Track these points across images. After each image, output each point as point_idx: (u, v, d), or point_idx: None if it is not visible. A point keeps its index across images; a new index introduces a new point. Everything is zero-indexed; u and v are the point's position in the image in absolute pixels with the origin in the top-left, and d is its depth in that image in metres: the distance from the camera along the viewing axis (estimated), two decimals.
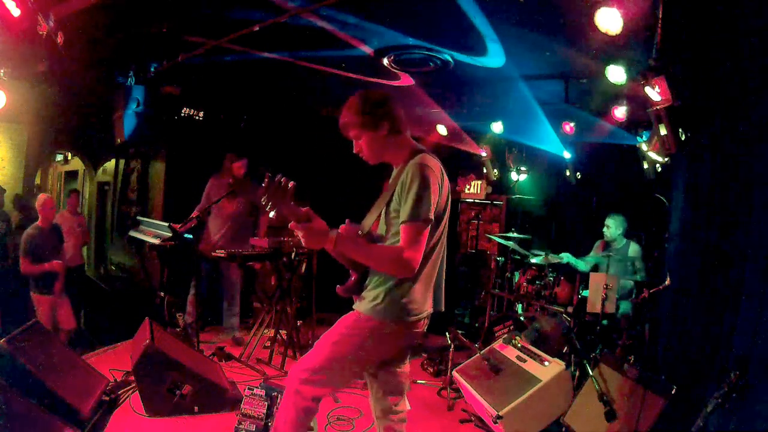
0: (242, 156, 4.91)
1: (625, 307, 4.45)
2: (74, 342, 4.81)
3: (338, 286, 2.10)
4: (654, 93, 3.21)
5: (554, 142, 5.89)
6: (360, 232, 2.08)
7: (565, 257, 4.77)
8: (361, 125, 2.01)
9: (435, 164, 1.99)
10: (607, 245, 4.84)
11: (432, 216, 1.91)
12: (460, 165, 7.19)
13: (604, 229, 4.81)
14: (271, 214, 1.79)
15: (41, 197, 4.66)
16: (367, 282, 2.05)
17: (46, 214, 4.59)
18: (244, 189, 4.76)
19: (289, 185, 1.79)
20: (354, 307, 2.07)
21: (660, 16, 2.79)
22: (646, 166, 4.98)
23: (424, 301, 2.02)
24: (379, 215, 2.08)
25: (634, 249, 4.65)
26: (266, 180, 1.76)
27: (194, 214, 4.60)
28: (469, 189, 7.31)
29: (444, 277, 2.15)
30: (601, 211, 5.20)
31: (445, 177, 2.05)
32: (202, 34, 4.08)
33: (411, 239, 1.88)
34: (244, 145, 5.82)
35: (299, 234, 1.88)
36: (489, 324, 4.70)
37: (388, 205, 2.02)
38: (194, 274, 4.85)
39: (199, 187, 4.97)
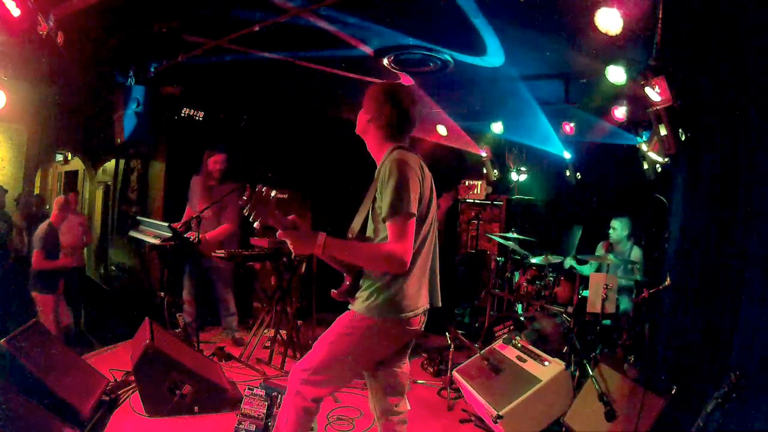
0: (220, 151, 4.79)
1: (626, 306, 4.45)
2: (74, 342, 4.82)
3: (333, 290, 2.10)
4: (654, 93, 3.21)
5: (554, 142, 5.89)
6: (350, 235, 2.08)
7: (568, 263, 4.78)
8: (363, 102, 2.14)
9: (412, 158, 2.00)
10: (611, 246, 4.84)
11: (413, 209, 1.90)
12: (461, 165, 7.20)
13: (610, 231, 4.80)
14: (256, 224, 1.80)
15: (59, 199, 4.83)
16: (361, 283, 2.05)
17: (62, 213, 4.71)
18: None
19: (272, 195, 1.80)
20: (349, 307, 2.07)
21: (660, 16, 2.79)
22: (646, 166, 4.98)
23: (417, 296, 2.01)
24: (367, 215, 2.08)
25: (636, 254, 4.65)
26: (248, 192, 1.78)
27: (193, 214, 4.59)
28: (469, 190, 7.31)
29: (438, 272, 2.16)
30: (601, 211, 5.20)
31: (426, 170, 2.06)
32: (202, 34, 4.08)
33: (397, 234, 1.89)
34: (244, 145, 5.82)
35: (287, 241, 1.90)
36: (489, 324, 4.70)
37: (373, 203, 2.03)
38: (188, 273, 4.85)
39: None
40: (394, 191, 1.89)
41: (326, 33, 3.88)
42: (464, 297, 6.50)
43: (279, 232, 1.88)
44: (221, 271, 4.86)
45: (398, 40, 4.04)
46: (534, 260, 4.79)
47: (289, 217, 1.88)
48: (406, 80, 4.95)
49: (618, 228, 4.76)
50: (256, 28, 3.69)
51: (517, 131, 6.03)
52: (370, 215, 2.07)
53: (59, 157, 9.67)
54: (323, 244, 1.88)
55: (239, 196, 5.02)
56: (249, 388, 2.99)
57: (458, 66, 4.48)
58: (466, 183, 7.27)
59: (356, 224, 2.10)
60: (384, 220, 1.92)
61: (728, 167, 2.91)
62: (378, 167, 2.08)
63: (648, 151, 4.54)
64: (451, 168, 7.21)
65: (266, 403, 2.91)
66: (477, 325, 5.83)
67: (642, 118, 4.39)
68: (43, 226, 4.61)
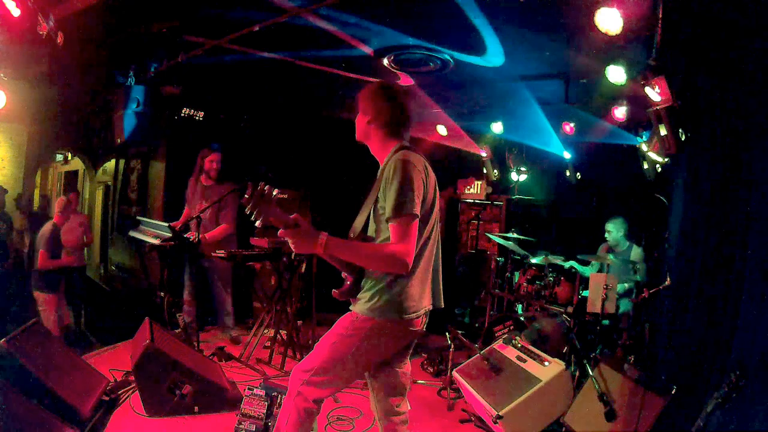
0: (215, 149, 4.79)
1: (626, 306, 4.44)
2: (74, 342, 4.83)
3: (334, 290, 2.09)
4: (654, 93, 3.21)
5: (554, 142, 5.89)
6: (352, 234, 2.08)
7: (569, 264, 4.78)
8: (358, 104, 2.14)
9: (417, 159, 1.99)
10: (610, 250, 4.83)
11: (417, 210, 1.90)
12: (461, 165, 7.20)
13: (606, 235, 4.81)
14: (258, 222, 1.78)
15: (61, 199, 4.93)
16: (362, 283, 2.04)
17: (65, 214, 4.81)
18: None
19: (273, 193, 1.79)
20: (350, 308, 2.07)
21: (660, 16, 2.79)
22: (646, 166, 4.98)
23: (420, 298, 2.01)
24: (369, 214, 2.08)
25: (636, 252, 4.65)
26: (248, 189, 1.77)
27: (193, 214, 4.60)
28: (469, 189, 7.31)
29: (441, 272, 2.15)
30: (601, 211, 5.20)
31: (431, 171, 2.05)
32: (202, 34, 4.08)
33: (401, 234, 1.88)
34: (244, 145, 5.82)
35: (288, 240, 1.89)
36: (489, 324, 4.69)
37: (375, 203, 2.02)
38: (188, 274, 4.85)
39: None
40: (398, 192, 1.88)
41: (326, 33, 3.87)
42: (464, 297, 6.51)
43: (280, 231, 1.86)
44: (221, 271, 4.86)
45: (398, 40, 4.04)
46: (534, 260, 4.79)
47: (291, 216, 1.87)
48: (406, 80, 4.95)
49: (613, 230, 4.76)
50: (256, 28, 3.68)
51: (517, 131, 6.03)
52: (372, 215, 2.06)
53: (59, 157, 9.68)
54: (325, 243, 1.87)
55: (238, 195, 5.04)
56: (249, 388, 2.99)
57: (458, 66, 4.47)
58: (466, 183, 7.27)
59: (358, 224, 2.09)
60: (387, 221, 1.92)
61: (728, 167, 2.91)
62: (381, 167, 2.07)
63: (648, 151, 4.54)
64: (450, 168, 7.21)
65: (266, 403, 2.91)
66: (477, 325, 5.84)
67: (642, 118, 4.38)
68: (47, 227, 4.66)
